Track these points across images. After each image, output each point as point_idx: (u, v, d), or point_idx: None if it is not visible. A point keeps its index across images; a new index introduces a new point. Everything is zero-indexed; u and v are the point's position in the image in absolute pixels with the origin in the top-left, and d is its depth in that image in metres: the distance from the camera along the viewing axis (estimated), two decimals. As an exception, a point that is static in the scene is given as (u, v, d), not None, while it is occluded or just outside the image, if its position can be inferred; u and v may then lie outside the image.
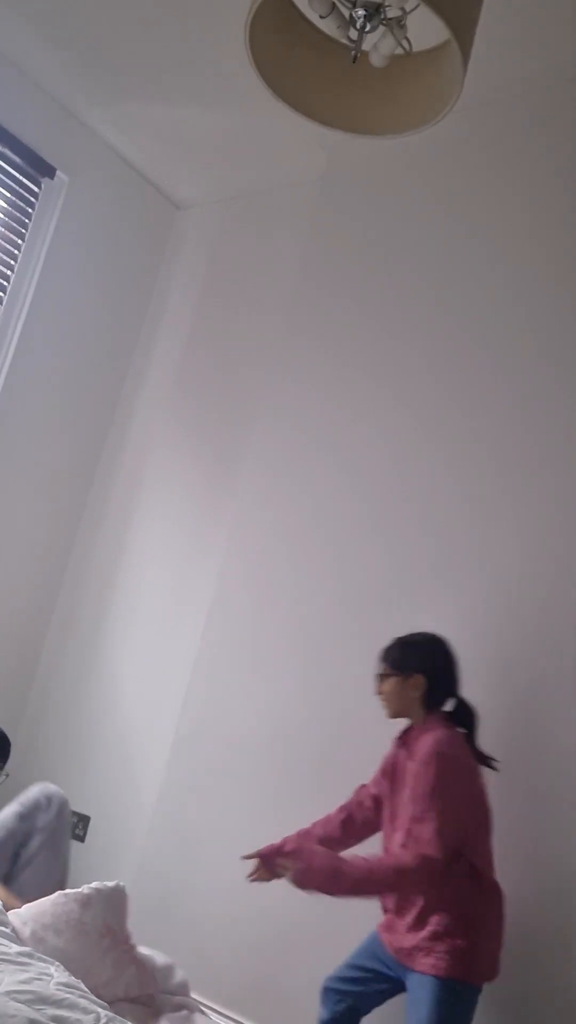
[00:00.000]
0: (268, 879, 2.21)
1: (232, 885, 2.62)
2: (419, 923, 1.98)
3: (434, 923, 1.96)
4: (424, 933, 1.97)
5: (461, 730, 2.13)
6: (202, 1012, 2.17)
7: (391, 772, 2.20)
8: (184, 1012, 2.10)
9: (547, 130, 2.84)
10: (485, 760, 2.12)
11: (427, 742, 2.05)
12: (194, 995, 2.43)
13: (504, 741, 2.29)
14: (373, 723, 2.35)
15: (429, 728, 2.11)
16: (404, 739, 2.21)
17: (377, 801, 2.25)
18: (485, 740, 2.17)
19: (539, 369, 2.61)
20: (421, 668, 2.18)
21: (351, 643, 2.70)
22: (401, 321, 2.97)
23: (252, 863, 2.25)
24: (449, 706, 2.19)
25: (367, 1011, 2.13)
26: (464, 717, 2.16)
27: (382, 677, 2.23)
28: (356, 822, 2.28)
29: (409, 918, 2.01)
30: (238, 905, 2.59)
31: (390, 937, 2.07)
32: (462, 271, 2.88)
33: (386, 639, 2.46)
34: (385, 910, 2.12)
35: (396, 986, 2.06)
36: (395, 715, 2.22)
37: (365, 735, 2.41)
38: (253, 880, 2.24)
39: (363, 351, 3.03)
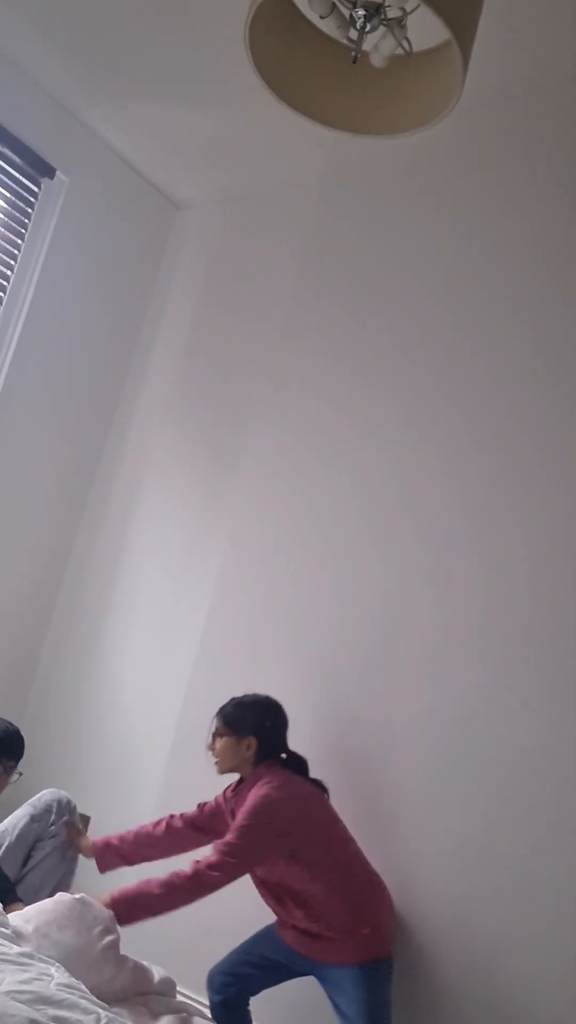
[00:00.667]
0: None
1: (231, 885, 2.63)
2: (312, 920, 2.20)
3: (328, 918, 2.18)
4: (324, 929, 2.19)
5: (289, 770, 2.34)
6: (202, 1015, 2.17)
7: (222, 816, 2.43)
8: (183, 1015, 2.09)
9: (547, 130, 2.83)
10: (319, 784, 2.36)
11: (256, 792, 2.25)
12: (189, 994, 2.44)
13: (502, 743, 2.30)
14: (374, 723, 2.35)
15: (258, 778, 2.31)
16: (237, 790, 2.40)
17: (209, 818, 2.46)
18: (473, 743, 2.17)
19: (538, 372, 2.61)
20: (253, 730, 2.37)
21: (349, 643, 2.70)
22: (400, 323, 2.97)
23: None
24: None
25: (257, 992, 2.37)
26: (295, 762, 2.38)
27: (215, 736, 2.42)
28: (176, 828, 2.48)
29: (299, 916, 2.23)
30: (236, 905, 2.59)
31: (288, 934, 2.29)
32: (462, 272, 2.88)
33: (384, 639, 2.46)
34: (274, 910, 2.34)
35: (292, 973, 2.31)
36: (225, 771, 2.41)
37: (366, 735, 2.42)
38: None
39: (361, 353, 3.03)
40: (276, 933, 2.34)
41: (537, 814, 2.24)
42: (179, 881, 2.14)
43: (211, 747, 2.42)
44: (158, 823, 2.49)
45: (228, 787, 2.46)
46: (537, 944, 2.17)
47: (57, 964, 1.88)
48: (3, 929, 2.00)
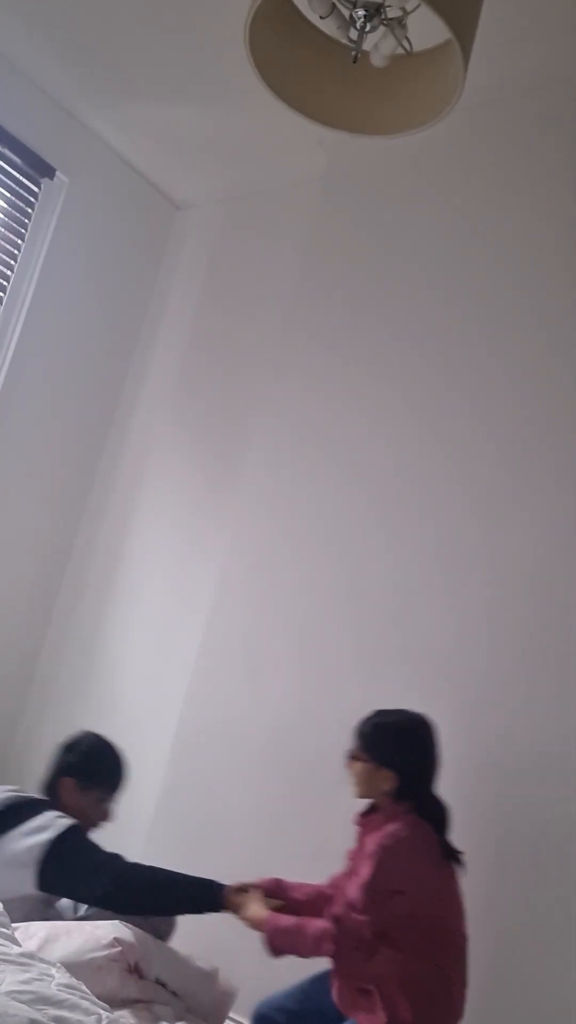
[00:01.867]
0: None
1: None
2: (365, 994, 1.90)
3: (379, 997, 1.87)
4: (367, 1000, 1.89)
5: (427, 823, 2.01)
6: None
7: (353, 853, 2.13)
8: None
9: (548, 129, 2.83)
10: (452, 854, 2.01)
11: (383, 832, 1.97)
12: (236, 1017, 2.40)
13: (502, 743, 2.30)
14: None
15: (391, 818, 2.01)
16: (366, 821, 2.11)
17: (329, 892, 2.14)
18: (485, 738, 2.16)
19: (542, 365, 2.61)
20: (392, 762, 2.05)
21: (353, 642, 2.70)
22: (402, 321, 2.97)
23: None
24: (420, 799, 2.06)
25: None
26: (434, 812, 2.03)
27: (353, 757, 2.11)
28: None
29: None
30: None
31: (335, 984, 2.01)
32: (463, 271, 2.88)
33: (389, 638, 2.44)
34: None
35: None
36: (362, 796, 2.11)
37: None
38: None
39: (363, 352, 3.03)
40: (328, 980, 2.05)
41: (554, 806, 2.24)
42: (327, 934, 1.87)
43: (348, 766, 2.12)
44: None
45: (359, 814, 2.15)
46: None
47: (58, 965, 1.88)
48: (3, 930, 2.00)
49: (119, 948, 2.04)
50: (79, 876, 2.04)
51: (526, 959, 2.17)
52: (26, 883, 2.04)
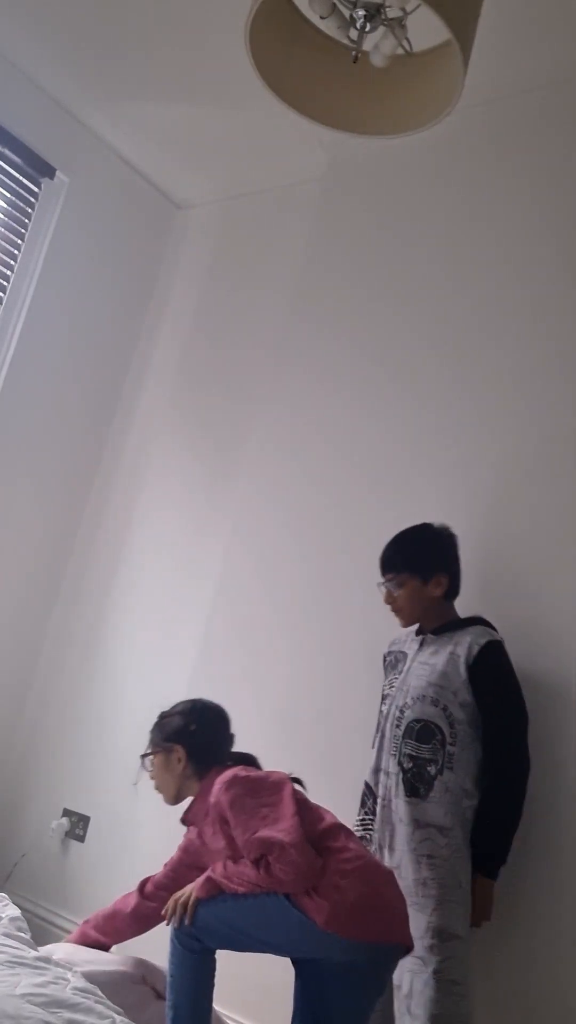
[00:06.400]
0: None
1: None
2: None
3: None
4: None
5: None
6: None
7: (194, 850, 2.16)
8: None
9: (548, 129, 2.84)
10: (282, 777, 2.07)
11: (215, 793, 2.01)
12: None
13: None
14: (376, 722, 2.35)
15: (207, 788, 2.07)
16: (192, 814, 2.15)
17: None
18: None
19: (544, 359, 2.61)
20: (179, 740, 2.17)
21: (357, 637, 2.69)
22: (402, 318, 2.97)
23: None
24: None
25: None
26: (245, 760, 2.16)
27: (147, 757, 2.22)
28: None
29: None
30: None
31: None
32: (464, 269, 2.88)
33: (392, 633, 2.43)
34: None
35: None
36: (171, 798, 2.19)
37: (368, 735, 2.41)
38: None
39: (363, 351, 3.03)
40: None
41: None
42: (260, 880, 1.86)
43: (147, 768, 2.22)
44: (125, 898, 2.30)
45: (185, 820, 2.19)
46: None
47: (74, 970, 1.89)
48: (21, 934, 2.02)
49: (141, 971, 2.07)
50: None
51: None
52: None
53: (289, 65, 1.73)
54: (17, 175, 3.55)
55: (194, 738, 2.17)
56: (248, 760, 2.18)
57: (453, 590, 2.30)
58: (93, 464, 3.90)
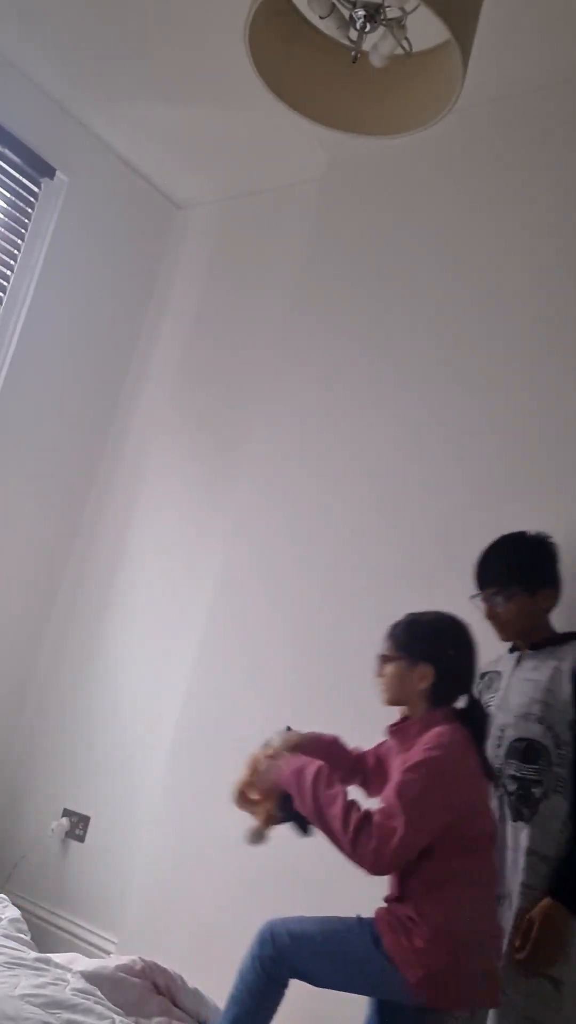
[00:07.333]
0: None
1: (234, 884, 2.63)
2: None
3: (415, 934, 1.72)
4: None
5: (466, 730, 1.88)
6: None
7: (381, 762, 2.03)
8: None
9: (548, 129, 2.84)
10: (489, 771, 1.89)
11: (426, 738, 1.83)
12: None
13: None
14: (377, 721, 2.35)
15: (430, 724, 1.86)
16: (399, 729, 1.95)
17: (371, 763, 2.06)
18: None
19: (546, 356, 2.60)
20: (429, 656, 1.90)
21: (356, 638, 2.69)
22: (404, 319, 2.97)
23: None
24: (460, 703, 1.94)
25: None
26: (476, 718, 1.92)
27: (385, 659, 1.96)
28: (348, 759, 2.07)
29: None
30: (240, 904, 2.59)
31: None
32: (465, 269, 2.88)
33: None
34: None
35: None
36: (393, 703, 1.97)
37: (368, 734, 2.41)
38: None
39: (363, 350, 3.03)
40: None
41: None
42: (351, 817, 1.71)
43: (379, 672, 1.97)
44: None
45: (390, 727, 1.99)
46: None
47: (75, 971, 1.90)
48: (21, 935, 2.02)
49: (141, 965, 2.07)
50: None
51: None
52: None
53: (289, 65, 1.73)
54: (17, 175, 3.55)
55: (448, 665, 1.91)
56: (480, 722, 1.92)
57: (555, 604, 2.14)
58: (93, 464, 3.89)
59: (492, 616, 2.13)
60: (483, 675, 2.19)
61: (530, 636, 2.13)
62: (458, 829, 1.76)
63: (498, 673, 2.17)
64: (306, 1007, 2.24)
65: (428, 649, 1.92)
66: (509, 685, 2.09)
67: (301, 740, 2.04)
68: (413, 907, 1.74)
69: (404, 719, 1.95)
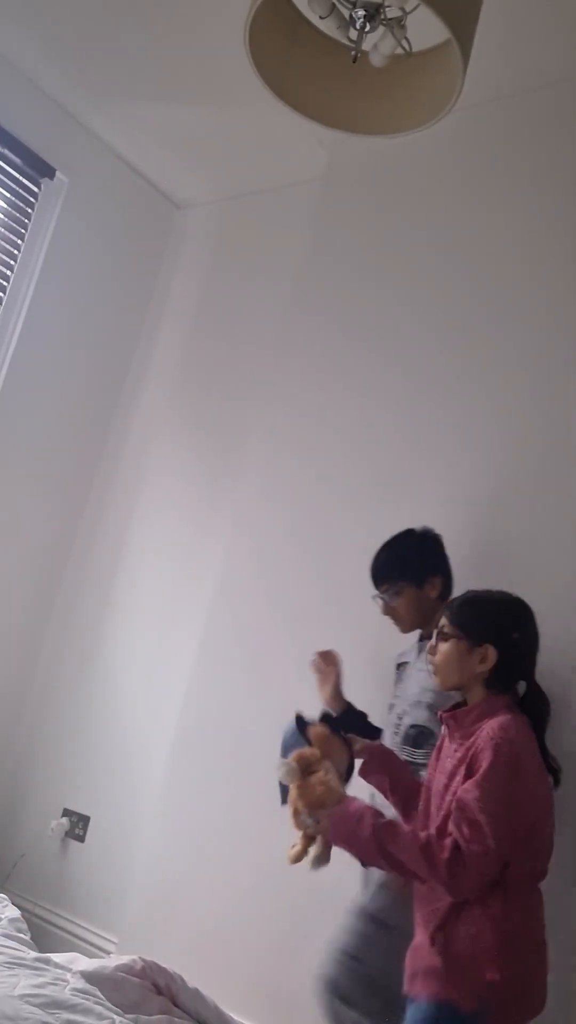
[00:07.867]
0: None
1: (234, 884, 2.63)
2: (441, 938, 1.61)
3: (462, 945, 1.58)
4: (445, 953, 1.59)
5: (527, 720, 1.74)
6: None
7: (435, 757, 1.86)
8: None
9: (548, 129, 2.84)
10: (551, 766, 1.73)
11: (490, 728, 1.66)
12: None
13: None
14: (376, 721, 2.35)
15: (491, 712, 1.71)
16: (453, 716, 1.79)
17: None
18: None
19: (550, 350, 2.61)
20: (493, 638, 1.75)
21: (356, 637, 2.69)
22: (405, 317, 2.97)
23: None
24: (519, 689, 1.80)
25: None
26: (538, 706, 1.76)
27: (444, 636, 1.80)
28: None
29: (430, 928, 1.63)
30: (240, 904, 2.59)
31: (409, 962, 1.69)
32: (465, 268, 2.88)
33: (393, 632, 2.42)
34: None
35: None
36: (447, 686, 1.82)
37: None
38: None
39: (365, 350, 3.03)
40: None
41: None
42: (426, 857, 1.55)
43: (432, 649, 1.83)
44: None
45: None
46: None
47: (74, 971, 1.89)
48: (20, 935, 2.02)
49: (141, 965, 2.07)
50: None
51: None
52: None
53: (289, 65, 1.73)
54: (17, 175, 3.55)
55: (512, 648, 1.76)
56: (542, 711, 1.77)
57: (447, 591, 2.26)
58: (93, 464, 3.90)
59: (389, 611, 2.27)
60: (397, 666, 2.33)
61: (429, 625, 2.15)
62: (536, 831, 1.64)
63: (407, 663, 2.28)
64: (306, 1007, 2.24)
65: (492, 630, 1.76)
66: (408, 674, 2.20)
67: (331, 745, 1.86)
68: (482, 912, 1.60)
69: (457, 705, 1.80)
